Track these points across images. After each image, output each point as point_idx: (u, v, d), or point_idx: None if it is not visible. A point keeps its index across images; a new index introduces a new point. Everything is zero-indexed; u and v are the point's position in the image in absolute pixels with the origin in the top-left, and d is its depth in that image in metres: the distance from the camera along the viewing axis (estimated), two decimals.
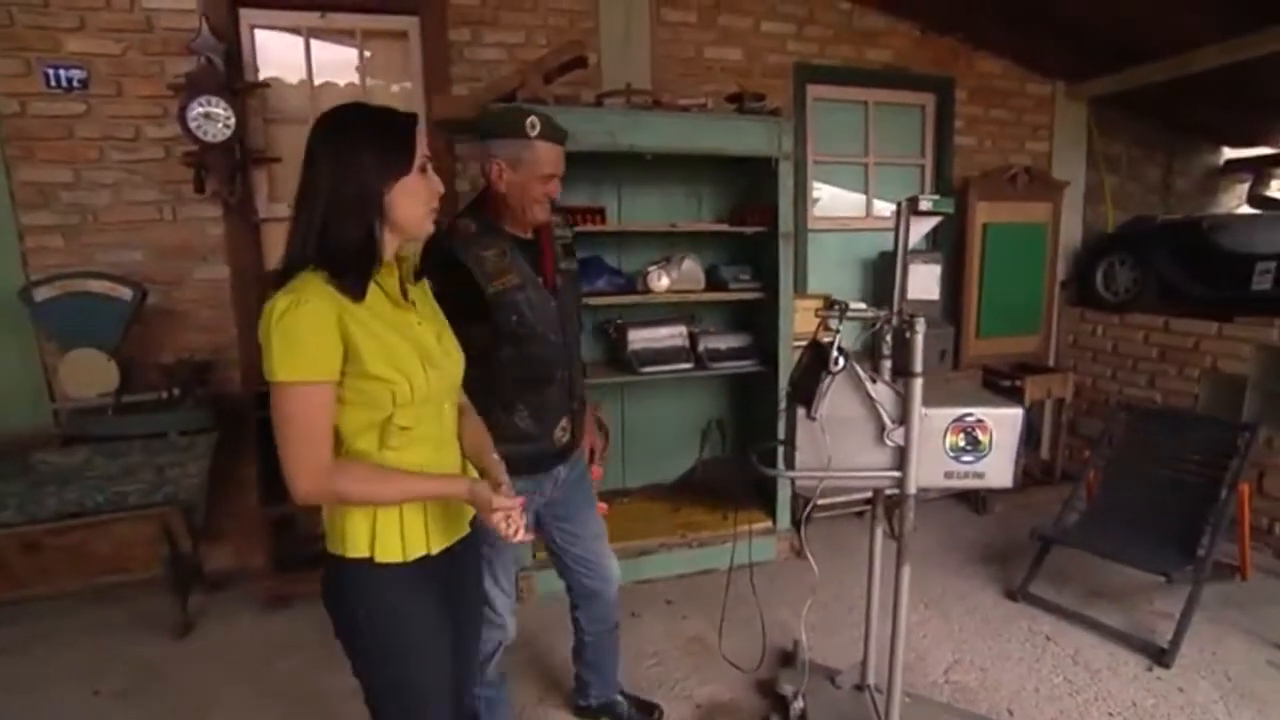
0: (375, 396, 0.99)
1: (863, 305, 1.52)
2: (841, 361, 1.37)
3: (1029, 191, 3.60)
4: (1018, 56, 3.62)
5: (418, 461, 1.06)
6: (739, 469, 2.98)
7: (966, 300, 3.58)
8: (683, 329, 2.83)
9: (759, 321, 2.92)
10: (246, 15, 2.60)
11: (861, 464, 1.52)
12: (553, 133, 1.43)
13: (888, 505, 1.80)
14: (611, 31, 2.95)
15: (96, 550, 2.31)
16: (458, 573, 1.16)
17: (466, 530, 1.17)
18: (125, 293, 2.37)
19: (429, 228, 1.06)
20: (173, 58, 2.50)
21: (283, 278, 0.96)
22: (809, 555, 1.71)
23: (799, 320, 2.77)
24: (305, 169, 0.98)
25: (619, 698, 1.90)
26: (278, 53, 2.70)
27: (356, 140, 0.97)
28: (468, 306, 1.32)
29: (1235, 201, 4.66)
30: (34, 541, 2.25)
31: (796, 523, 2.98)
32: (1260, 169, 4.52)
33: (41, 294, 2.35)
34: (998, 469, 1.49)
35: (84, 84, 2.48)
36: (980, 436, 1.48)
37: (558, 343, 1.49)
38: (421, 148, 1.02)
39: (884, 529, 1.80)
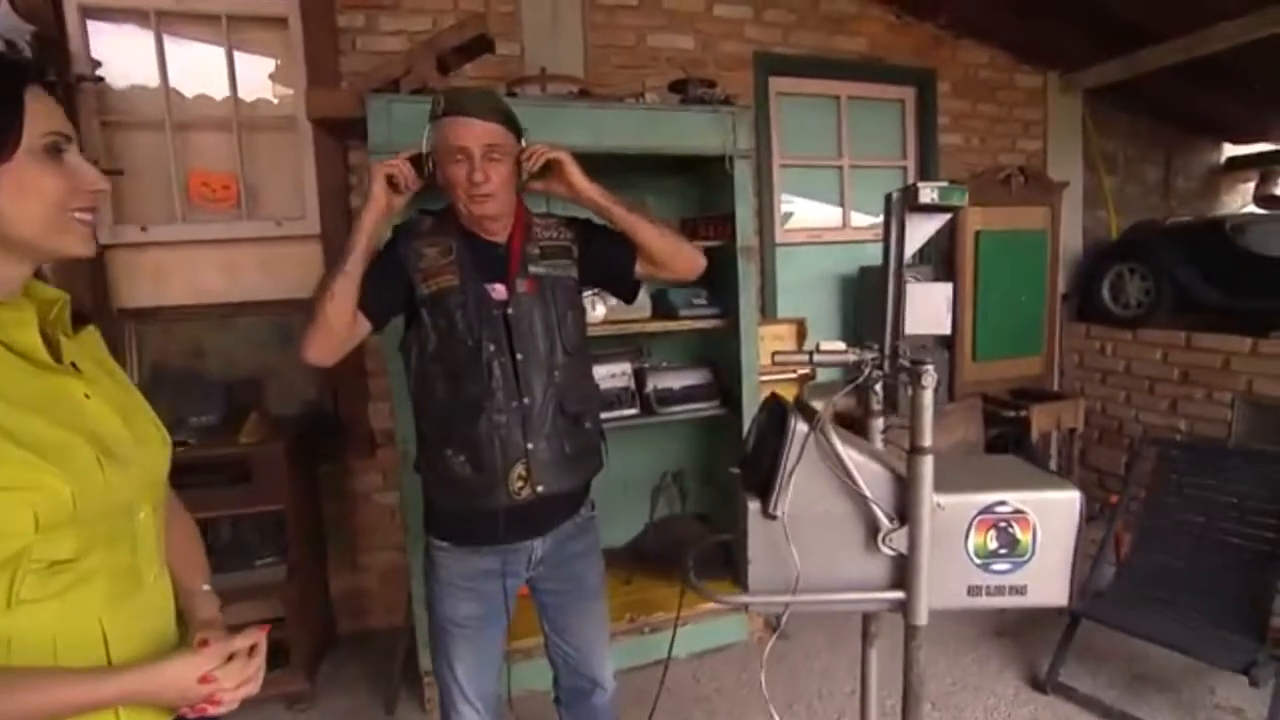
0: None
1: (840, 344, 1.05)
2: (801, 431, 0.89)
3: (1024, 194, 3.18)
4: (1006, 43, 3.23)
5: (90, 616, 0.68)
6: (699, 528, 2.49)
7: (960, 319, 3.14)
8: (626, 366, 2.35)
9: (719, 354, 2.45)
10: None
11: (847, 578, 1.05)
12: (458, 104, 1.16)
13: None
14: (536, 17, 2.50)
15: None
16: None
17: None
18: None
19: (70, 244, 0.68)
20: None
21: None
22: (762, 684, 1.22)
23: (766, 350, 2.30)
24: None
25: None
26: (125, 43, 2.22)
27: None
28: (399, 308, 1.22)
29: (1240, 201, 4.30)
30: None
31: None
32: (1265, 166, 4.17)
33: None
34: (1046, 580, 1.02)
35: None
36: (1019, 534, 1.01)
37: (505, 363, 1.21)
38: (43, 121, 0.65)
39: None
